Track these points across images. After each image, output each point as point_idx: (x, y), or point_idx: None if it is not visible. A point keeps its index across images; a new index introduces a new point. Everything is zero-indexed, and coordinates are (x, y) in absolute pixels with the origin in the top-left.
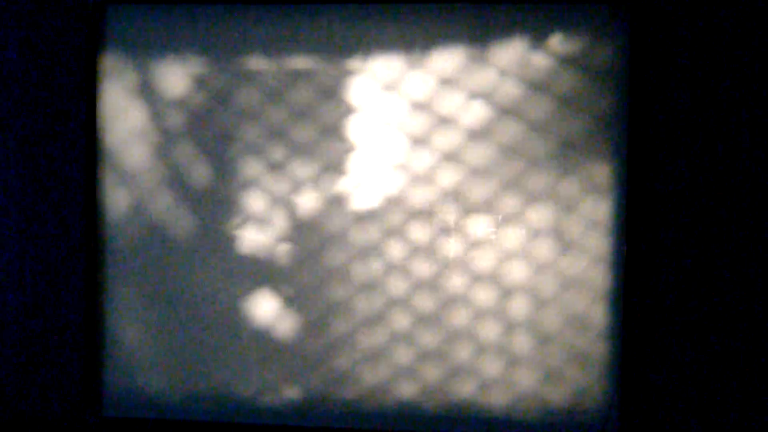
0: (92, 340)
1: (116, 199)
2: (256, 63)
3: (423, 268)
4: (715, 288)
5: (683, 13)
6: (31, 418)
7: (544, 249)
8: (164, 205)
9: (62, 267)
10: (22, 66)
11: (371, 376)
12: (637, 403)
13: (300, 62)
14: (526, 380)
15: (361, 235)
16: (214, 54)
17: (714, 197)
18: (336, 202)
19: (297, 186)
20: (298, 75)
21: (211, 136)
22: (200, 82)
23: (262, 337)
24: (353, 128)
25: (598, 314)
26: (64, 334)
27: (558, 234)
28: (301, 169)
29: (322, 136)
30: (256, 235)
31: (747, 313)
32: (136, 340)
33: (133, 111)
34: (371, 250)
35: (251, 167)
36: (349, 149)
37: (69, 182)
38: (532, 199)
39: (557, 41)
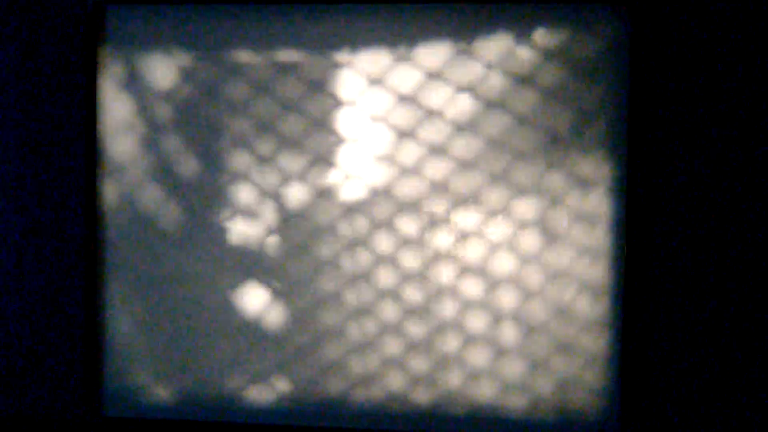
0: (92, 340)
1: (116, 199)
2: (253, 59)
3: (411, 260)
4: (715, 283)
5: (682, 6)
6: (31, 417)
7: (532, 241)
8: (166, 202)
9: (62, 265)
10: (21, 66)
11: (360, 368)
12: (637, 401)
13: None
14: (515, 372)
15: (350, 228)
16: (213, 52)
17: (713, 192)
18: (324, 194)
19: (285, 178)
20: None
21: (209, 132)
22: (200, 81)
23: (251, 329)
24: (341, 121)
25: (586, 307)
26: (64, 333)
27: (546, 227)
28: (290, 161)
29: (311, 128)
30: (245, 228)
31: (749, 309)
32: (133, 337)
33: (132, 109)
34: (360, 243)
35: (242, 160)
36: (337, 142)
37: (68, 182)
38: (522, 192)
39: (544, 36)
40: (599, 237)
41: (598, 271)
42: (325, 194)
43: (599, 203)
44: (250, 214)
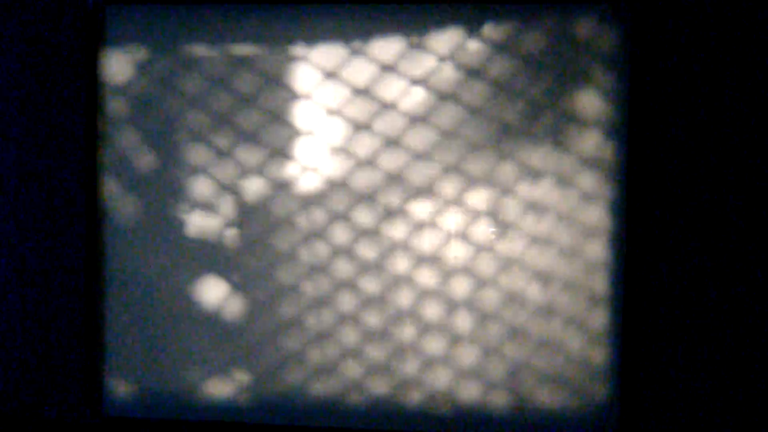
0: (92, 340)
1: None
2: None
3: (368, 251)
4: (713, 284)
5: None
6: (31, 418)
7: (484, 233)
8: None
9: (62, 266)
10: (21, 66)
11: (319, 358)
12: (636, 404)
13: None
14: (468, 360)
15: (307, 220)
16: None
17: (710, 189)
18: (281, 187)
19: (243, 171)
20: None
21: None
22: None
23: (210, 321)
24: (297, 114)
25: (536, 294)
26: (64, 333)
27: (496, 216)
28: (247, 154)
29: (267, 122)
30: (204, 221)
31: (748, 309)
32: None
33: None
34: (317, 234)
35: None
36: (293, 135)
37: (69, 183)
38: (473, 182)
39: (492, 30)
40: (551, 228)
41: (547, 259)
42: (282, 187)
43: (549, 192)
44: (208, 207)
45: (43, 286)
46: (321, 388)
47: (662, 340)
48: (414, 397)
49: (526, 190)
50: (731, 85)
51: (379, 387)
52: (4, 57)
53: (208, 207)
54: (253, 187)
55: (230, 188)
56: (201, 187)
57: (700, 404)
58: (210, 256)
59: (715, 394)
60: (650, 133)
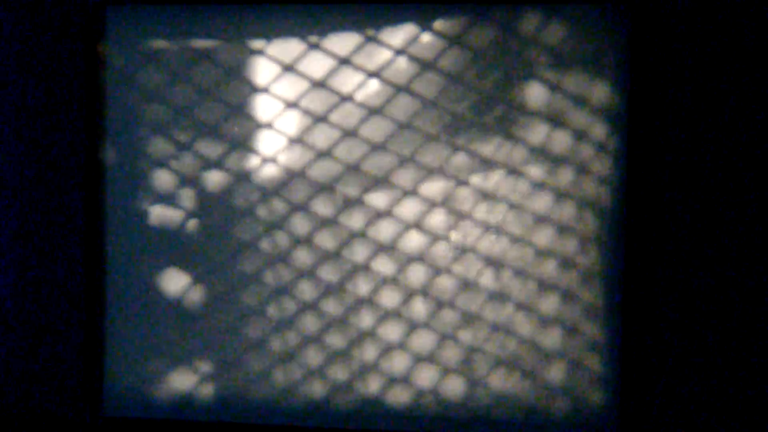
0: (92, 340)
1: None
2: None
3: (327, 241)
4: (717, 283)
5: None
6: (31, 417)
7: (437, 220)
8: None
9: (62, 265)
10: (20, 66)
11: (279, 346)
12: (636, 407)
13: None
14: (425, 345)
15: (267, 210)
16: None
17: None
18: (241, 178)
19: (204, 163)
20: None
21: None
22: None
23: (176, 313)
24: (256, 106)
25: (489, 281)
26: (64, 332)
27: (450, 206)
28: (208, 147)
29: (227, 114)
30: (165, 212)
31: (748, 313)
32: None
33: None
34: (277, 224)
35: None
36: (253, 127)
37: (69, 183)
38: (430, 172)
39: (444, 24)
40: (502, 215)
41: (500, 247)
42: (242, 178)
43: (501, 184)
44: (169, 199)
45: (41, 284)
46: (281, 376)
47: (662, 346)
48: (375, 387)
49: (479, 180)
50: (735, 87)
51: (340, 376)
52: (2, 57)
53: (168, 199)
54: (214, 178)
55: (191, 180)
56: (162, 178)
57: (700, 410)
58: (174, 247)
59: (715, 397)
60: (648, 145)
